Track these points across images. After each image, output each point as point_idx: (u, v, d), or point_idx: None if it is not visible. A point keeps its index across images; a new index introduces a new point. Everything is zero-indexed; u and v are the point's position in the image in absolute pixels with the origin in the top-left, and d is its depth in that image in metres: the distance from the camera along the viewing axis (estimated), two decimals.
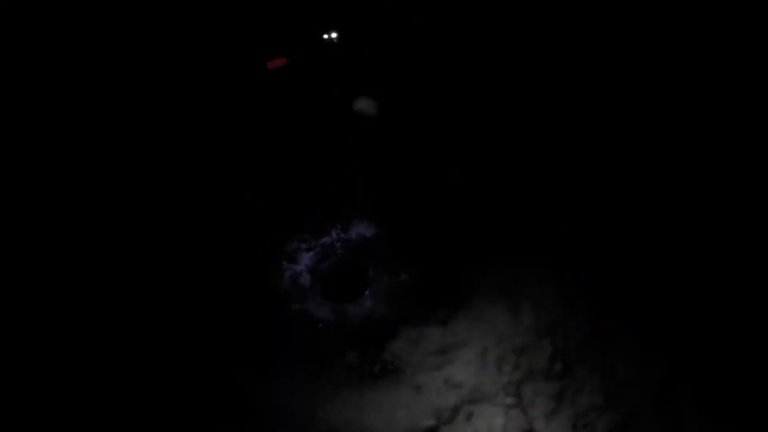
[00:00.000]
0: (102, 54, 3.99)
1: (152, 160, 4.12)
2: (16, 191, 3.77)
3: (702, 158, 3.97)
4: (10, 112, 3.79)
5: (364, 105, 3.97)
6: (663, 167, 4.03)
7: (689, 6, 3.97)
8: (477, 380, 3.50)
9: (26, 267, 3.65)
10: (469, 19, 4.22)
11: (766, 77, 3.88)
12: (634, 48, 4.16)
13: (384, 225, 4.16)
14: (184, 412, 3.37)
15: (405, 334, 3.74)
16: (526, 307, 3.71)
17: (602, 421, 3.25)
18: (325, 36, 3.90)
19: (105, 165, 4.03)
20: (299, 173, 4.22)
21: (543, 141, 4.30)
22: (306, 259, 4.09)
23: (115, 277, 3.78)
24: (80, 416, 3.27)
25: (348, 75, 4.03)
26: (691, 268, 3.70)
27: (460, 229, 4.07)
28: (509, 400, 3.40)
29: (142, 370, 3.49)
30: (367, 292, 3.95)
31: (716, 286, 3.59)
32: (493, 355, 3.58)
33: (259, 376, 3.53)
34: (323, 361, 3.63)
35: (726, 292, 3.56)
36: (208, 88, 4.13)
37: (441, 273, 3.93)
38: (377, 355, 3.66)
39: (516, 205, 4.14)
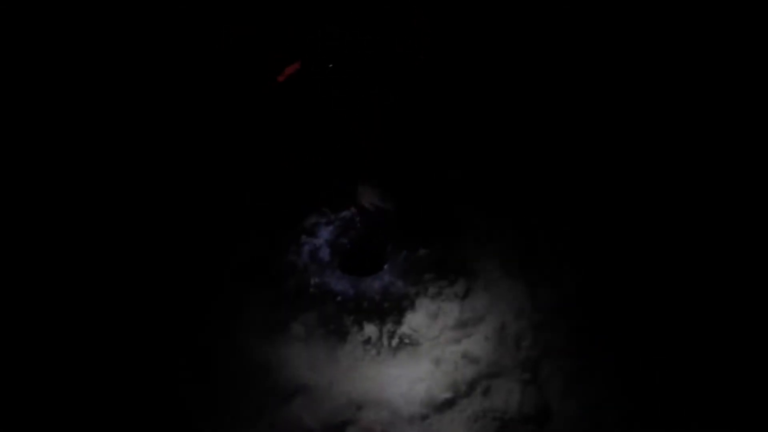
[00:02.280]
0: (103, 53, 3.96)
1: (178, 139, 4.12)
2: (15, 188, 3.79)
3: (711, 160, 3.89)
4: (10, 112, 3.80)
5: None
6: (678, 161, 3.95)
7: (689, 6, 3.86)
8: (495, 355, 3.54)
9: (24, 260, 3.70)
10: (469, 20, 4.13)
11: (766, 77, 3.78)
12: (634, 48, 4.06)
13: (404, 201, 4.13)
14: (198, 384, 3.46)
15: (423, 308, 3.76)
16: (545, 284, 3.70)
17: (618, 403, 3.27)
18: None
19: (121, 158, 4.04)
20: (317, 154, 4.18)
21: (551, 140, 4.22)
22: (325, 233, 4.11)
23: (132, 254, 3.85)
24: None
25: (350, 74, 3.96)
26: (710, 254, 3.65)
27: (479, 207, 4.05)
28: (526, 376, 3.44)
29: (150, 342, 3.58)
30: (385, 267, 3.96)
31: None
32: (511, 331, 3.60)
33: (276, 350, 3.60)
34: (341, 334, 3.69)
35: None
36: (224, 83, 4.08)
37: (460, 249, 3.93)
38: (396, 329, 3.70)
39: (534, 184, 4.09)
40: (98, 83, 4.08)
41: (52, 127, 3.96)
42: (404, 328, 3.71)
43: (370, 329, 3.71)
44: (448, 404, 3.41)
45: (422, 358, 3.59)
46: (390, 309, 3.79)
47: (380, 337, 3.69)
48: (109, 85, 4.10)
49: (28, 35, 3.86)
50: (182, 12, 3.98)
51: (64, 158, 3.98)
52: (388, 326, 3.72)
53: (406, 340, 3.66)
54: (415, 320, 3.72)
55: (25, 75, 3.88)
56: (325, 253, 4.03)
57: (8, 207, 3.75)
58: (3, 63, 3.82)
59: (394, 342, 3.66)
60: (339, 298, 3.84)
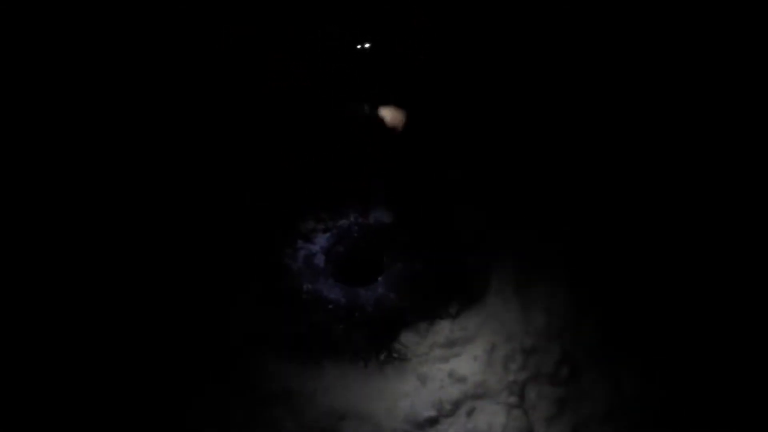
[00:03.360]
0: (102, 52, 3.99)
1: (180, 139, 4.13)
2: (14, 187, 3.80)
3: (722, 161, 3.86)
4: (10, 112, 3.82)
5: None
6: (682, 169, 3.92)
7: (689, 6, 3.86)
8: (482, 376, 3.50)
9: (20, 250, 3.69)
10: (469, 19, 4.16)
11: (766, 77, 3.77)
12: (634, 48, 4.05)
13: (403, 214, 4.14)
14: (179, 383, 3.42)
15: (414, 323, 3.74)
16: (538, 309, 3.67)
17: (603, 431, 3.24)
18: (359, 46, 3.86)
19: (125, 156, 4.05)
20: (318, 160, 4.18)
21: (551, 140, 4.21)
22: (322, 240, 4.10)
23: (128, 258, 3.83)
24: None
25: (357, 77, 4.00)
26: (708, 287, 3.61)
27: (477, 225, 4.03)
28: (512, 400, 3.39)
29: (135, 341, 3.54)
30: (380, 279, 3.95)
31: (731, 307, 3.51)
32: (500, 353, 3.56)
33: (262, 353, 3.58)
34: (330, 343, 3.66)
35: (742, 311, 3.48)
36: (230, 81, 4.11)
37: (456, 267, 3.91)
38: (385, 342, 3.68)
39: (530, 206, 4.07)
40: (97, 82, 4.08)
41: (53, 127, 3.96)
42: (394, 342, 3.68)
43: (360, 340, 3.68)
44: (430, 423, 3.37)
45: (409, 373, 3.56)
46: (381, 321, 3.76)
47: (369, 350, 3.66)
48: (107, 83, 4.10)
49: (27, 35, 3.90)
50: (182, 11, 4.00)
51: (62, 154, 3.98)
52: (378, 339, 3.69)
53: (395, 354, 3.63)
54: (405, 335, 3.70)
55: (24, 75, 3.90)
56: (320, 260, 4.02)
57: (7, 207, 3.75)
58: (2, 63, 3.85)
59: (382, 355, 3.64)
60: (331, 306, 3.82)
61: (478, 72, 4.23)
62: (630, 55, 4.06)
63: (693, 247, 3.72)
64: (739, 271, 3.59)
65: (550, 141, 4.19)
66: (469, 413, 3.39)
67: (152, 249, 3.87)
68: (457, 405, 3.41)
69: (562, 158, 4.15)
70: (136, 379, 3.40)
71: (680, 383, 3.35)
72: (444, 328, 3.70)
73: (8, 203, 3.69)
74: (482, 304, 3.78)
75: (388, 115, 4.00)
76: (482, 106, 4.28)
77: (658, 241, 3.80)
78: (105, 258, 3.78)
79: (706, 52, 3.88)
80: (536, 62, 4.17)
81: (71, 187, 3.90)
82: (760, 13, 3.64)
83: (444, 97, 4.24)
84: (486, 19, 4.11)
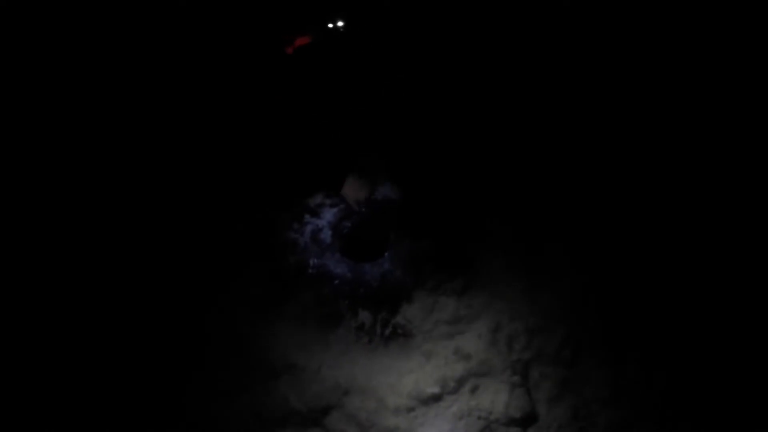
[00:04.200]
0: (99, 44, 3.91)
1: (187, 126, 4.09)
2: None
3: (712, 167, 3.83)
4: (9, 112, 3.78)
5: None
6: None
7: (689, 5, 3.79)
8: (486, 354, 3.52)
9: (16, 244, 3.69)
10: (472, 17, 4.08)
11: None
12: (634, 47, 3.99)
13: (411, 190, 4.10)
14: (185, 354, 3.48)
15: (420, 300, 3.74)
16: (544, 289, 3.67)
17: (604, 414, 3.27)
18: (330, 25, 3.77)
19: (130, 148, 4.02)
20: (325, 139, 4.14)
21: (559, 125, 4.17)
22: (329, 215, 4.08)
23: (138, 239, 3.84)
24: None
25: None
26: (713, 272, 3.60)
27: (487, 203, 4.00)
28: (515, 379, 3.42)
29: (139, 310, 3.59)
30: (386, 254, 3.94)
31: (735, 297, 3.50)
32: (505, 332, 3.58)
33: (268, 326, 3.61)
34: (335, 318, 3.68)
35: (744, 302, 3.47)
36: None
37: (463, 245, 3.89)
38: (390, 318, 3.70)
39: (539, 187, 4.04)
40: (94, 75, 4.02)
41: (51, 124, 3.92)
42: (399, 318, 3.70)
43: (365, 316, 3.70)
44: (434, 399, 3.41)
45: (414, 350, 3.59)
46: (386, 297, 3.77)
47: (374, 325, 3.68)
48: (104, 74, 4.04)
49: (27, 35, 3.83)
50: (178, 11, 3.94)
51: (59, 150, 3.95)
52: (383, 315, 3.71)
53: (400, 331, 3.65)
54: (411, 311, 3.71)
55: (24, 74, 3.85)
56: (326, 235, 4.01)
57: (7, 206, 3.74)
58: (2, 63, 3.80)
59: (388, 331, 3.66)
60: (337, 282, 3.83)
61: (479, 72, 4.19)
62: (629, 57, 4.02)
63: (698, 233, 3.71)
64: (743, 257, 3.58)
65: (558, 126, 4.14)
66: (473, 390, 3.43)
67: (158, 223, 3.88)
68: (460, 382, 3.44)
69: (569, 141, 4.10)
70: (138, 356, 3.45)
71: (683, 369, 3.37)
72: (449, 305, 3.70)
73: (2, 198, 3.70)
74: (488, 283, 3.77)
75: (349, 190, 3.98)
76: (491, 91, 4.23)
77: (664, 226, 3.78)
78: (110, 233, 3.79)
79: (706, 52, 3.83)
80: (539, 62, 4.12)
81: (66, 175, 3.89)
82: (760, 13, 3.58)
83: (446, 94, 4.20)
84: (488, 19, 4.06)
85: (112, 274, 3.67)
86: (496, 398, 3.38)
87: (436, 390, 3.42)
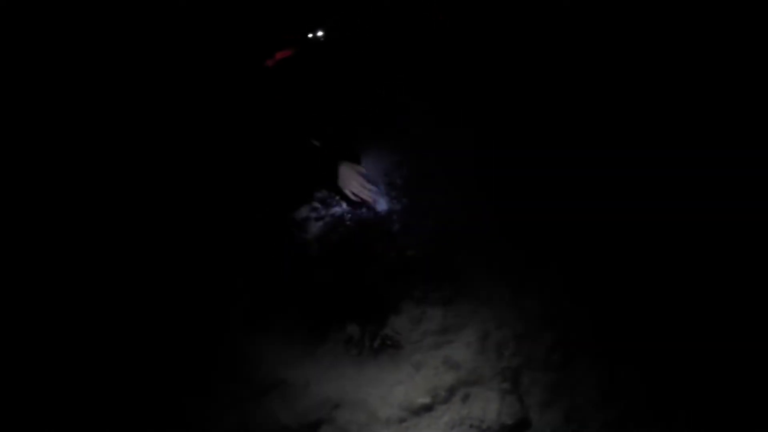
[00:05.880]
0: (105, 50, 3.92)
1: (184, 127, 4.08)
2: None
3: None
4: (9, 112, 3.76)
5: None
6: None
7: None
8: (475, 363, 3.50)
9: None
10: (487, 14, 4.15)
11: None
12: (635, 47, 4.08)
13: (394, 201, 4.12)
14: (168, 369, 3.42)
15: (407, 311, 3.73)
16: (531, 295, 3.69)
17: (597, 417, 3.26)
18: (311, 35, 3.81)
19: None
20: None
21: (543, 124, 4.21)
22: (315, 228, 4.07)
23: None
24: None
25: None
26: (704, 275, 3.64)
27: (470, 213, 4.02)
28: (506, 386, 3.41)
29: (123, 324, 3.55)
30: (373, 266, 3.93)
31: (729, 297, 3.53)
32: (493, 339, 3.58)
33: (253, 345, 3.57)
34: (323, 331, 3.65)
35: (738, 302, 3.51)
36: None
37: (448, 254, 3.90)
38: (378, 330, 3.66)
39: (524, 192, 4.07)
40: (94, 75, 4.02)
41: (51, 123, 3.91)
42: (387, 330, 3.67)
43: (353, 329, 3.67)
44: (425, 409, 3.37)
45: (403, 361, 3.56)
46: (374, 309, 3.75)
47: (362, 338, 3.65)
48: (104, 74, 4.04)
49: (27, 34, 3.82)
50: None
51: (59, 150, 3.92)
52: (371, 327, 3.68)
53: (388, 342, 3.62)
54: (399, 322, 3.69)
55: (23, 74, 3.84)
56: (313, 249, 3.99)
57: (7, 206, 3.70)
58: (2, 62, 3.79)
59: (376, 343, 3.63)
60: (323, 294, 3.80)
61: (480, 71, 4.24)
62: (630, 57, 4.08)
63: (689, 236, 3.75)
64: (736, 259, 3.63)
65: (555, 126, 4.20)
66: (464, 399, 3.40)
67: (143, 224, 3.87)
68: (451, 391, 3.42)
69: (554, 146, 4.15)
70: (124, 372, 3.38)
71: (674, 371, 3.38)
72: (437, 315, 3.69)
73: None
74: (475, 291, 3.78)
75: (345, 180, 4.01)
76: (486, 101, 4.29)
77: (654, 228, 3.82)
78: (101, 238, 3.77)
79: (707, 52, 3.91)
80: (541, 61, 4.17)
81: (64, 169, 3.86)
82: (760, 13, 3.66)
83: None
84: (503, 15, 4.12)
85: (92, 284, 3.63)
86: (488, 406, 3.36)
87: (427, 400, 3.39)
